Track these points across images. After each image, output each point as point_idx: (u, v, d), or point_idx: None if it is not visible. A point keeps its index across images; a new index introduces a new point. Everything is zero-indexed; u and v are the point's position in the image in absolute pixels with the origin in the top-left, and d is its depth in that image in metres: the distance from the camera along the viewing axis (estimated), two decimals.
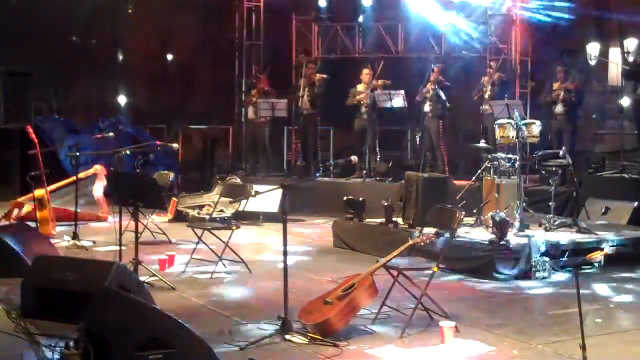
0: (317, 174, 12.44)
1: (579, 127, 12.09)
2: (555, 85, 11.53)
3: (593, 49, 12.56)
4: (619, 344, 5.51)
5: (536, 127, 9.39)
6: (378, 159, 12.82)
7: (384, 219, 9.14)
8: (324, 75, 13.03)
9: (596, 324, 6.01)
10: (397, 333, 5.62)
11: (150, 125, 17.00)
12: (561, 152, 9.38)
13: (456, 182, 10.67)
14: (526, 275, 7.65)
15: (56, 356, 4.70)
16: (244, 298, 6.88)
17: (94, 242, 9.43)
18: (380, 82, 12.54)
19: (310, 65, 13.47)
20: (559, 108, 11.48)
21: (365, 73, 12.66)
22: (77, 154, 9.79)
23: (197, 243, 8.06)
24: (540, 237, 8.13)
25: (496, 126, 9.40)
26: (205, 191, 12.44)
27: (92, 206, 11.51)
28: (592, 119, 14.11)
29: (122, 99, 18.43)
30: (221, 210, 10.55)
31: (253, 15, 15.14)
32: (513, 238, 7.96)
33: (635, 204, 9.81)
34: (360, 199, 9.75)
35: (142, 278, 6.72)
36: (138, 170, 9.67)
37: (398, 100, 12.30)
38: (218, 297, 6.86)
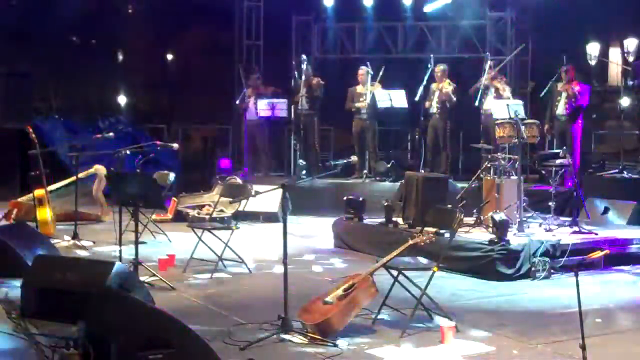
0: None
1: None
2: (559, 86, 11.47)
3: (593, 49, 12.55)
4: (619, 344, 5.51)
5: (536, 127, 9.41)
6: (378, 159, 12.81)
7: (384, 219, 9.14)
8: (322, 82, 12.95)
9: (596, 324, 6.01)
10: (397, 333, 5.62)
11: (150, 125, 17.01)
12: (561, 152, 9.38)
13: (456, 182, 10.67)
14: (526, 275, 7.66)
15: (56, 356, 4.69)
16: (244, 298, 6.88)
17: (94, 242, 9.43)
18: (377, 85, 12.51)
19: (308, 66, 13.44)
20: (560, 109, 11.44)
21: (361, 74, 12.61)
22: (77, 154, 9.79)
23: (197, 243, 8.07)
24: (540, 237, 8.13)
25: (496, 126, 9.41)
26: (205, 191, 12.43)
27: (92, 206, 11.51)
28: (592, 119, 14.11)
29: (122, 99, 18.43)
30: (221, 210, 10.54)
31: (253, 15, 15.15)
32: (513, 238, 7.96)
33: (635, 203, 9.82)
34: (360, 199, 9.74)
35: (142, 278, 6.74)
36: (138, 170, 9.67)
37: (398, 100, 12.29)
38: (218, 297, 6.86)
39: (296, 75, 13.20)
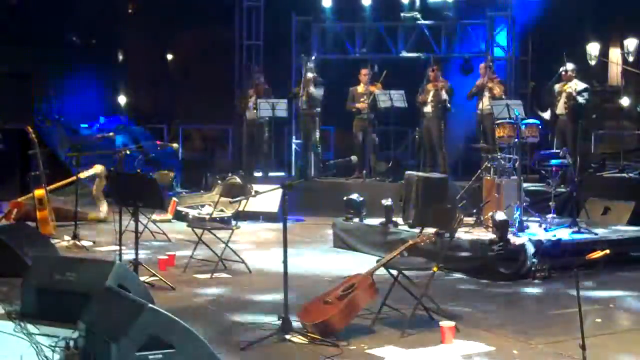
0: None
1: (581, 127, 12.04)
2: (560, 86, 11.44)
3: (593, 49, 12.54)
4: (619, 344, 5.51)
5: (536, 127, 9.39)
6: (378, 159, 12.81)
7: (384, 219, 9.13)
8: (313, 90, 12.88)
9: (596, 324, 6.01)
10: (397, 333, 5.62)
11: (150, 125, 17.01)
12: (561, 152, 9.38)
13: (456, 182, 10.66)
14: (526, 275, 7.66)
15: (56, 356, 4.70)
16: (243, 298, 6.88)
17: (94, 242, 9.43)
18: (378, 85, 12.50)
19: (310, 65, 13.43)
20: (561, 109, 11.42)
21: (364, 74, 12.62)
22: (77, 154, 9.79)
23: (197, 243, 8.07)
24: (540, 237, 8.13)
25: (496, 126, 9.40)
26: (205, 191, 12.43)
27: (92, 206, 11.51)
28: (592, 119, 14.11)
29: (122, 99, 18.44)
30: (221, 210, 10.54)
31: (253, 15, 15.15)
32: (513, 238, 7.96)
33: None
34: (360, 199, 9.74)
35: (142, 278, 6.73)
36: (138, 170, 9.68)
37: (398, 100, 12.29)
38: (218, 297, 6.86)
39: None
